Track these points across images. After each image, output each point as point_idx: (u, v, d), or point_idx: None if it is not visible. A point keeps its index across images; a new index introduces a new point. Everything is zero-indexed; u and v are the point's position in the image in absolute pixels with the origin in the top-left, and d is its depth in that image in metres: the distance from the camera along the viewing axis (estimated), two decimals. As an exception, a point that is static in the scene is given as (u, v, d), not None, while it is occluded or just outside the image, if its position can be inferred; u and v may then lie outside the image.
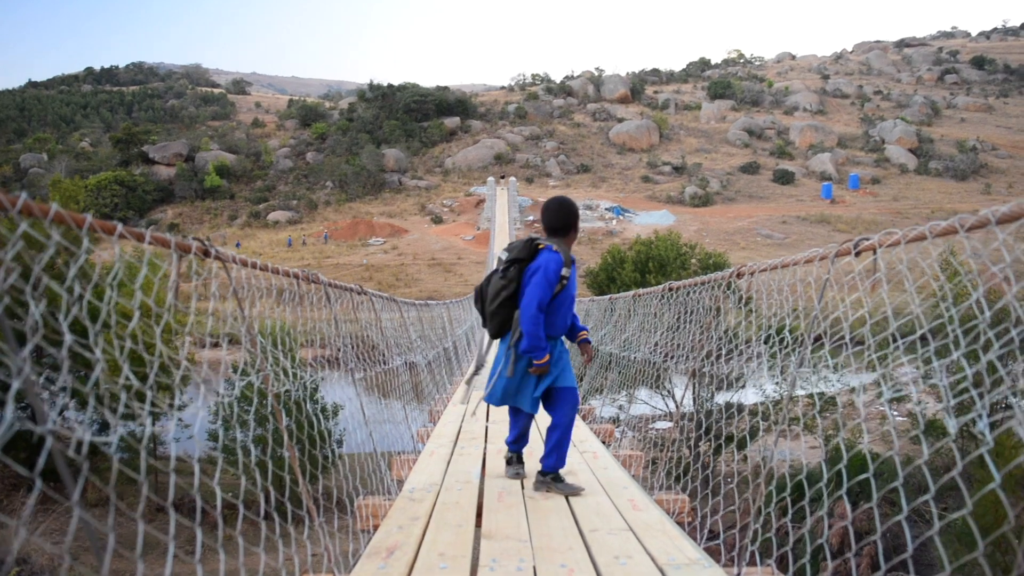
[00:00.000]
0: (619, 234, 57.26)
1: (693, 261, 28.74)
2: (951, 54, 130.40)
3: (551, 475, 3.83)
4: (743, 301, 4.36)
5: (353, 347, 4.68)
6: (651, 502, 3.64)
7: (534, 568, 2.66)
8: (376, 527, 3.26)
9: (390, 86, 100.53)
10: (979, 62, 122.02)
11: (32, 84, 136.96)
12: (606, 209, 66.67)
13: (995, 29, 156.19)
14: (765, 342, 3.65)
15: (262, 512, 2.48)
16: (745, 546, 2.77)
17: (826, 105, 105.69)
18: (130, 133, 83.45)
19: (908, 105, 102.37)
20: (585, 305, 11.63)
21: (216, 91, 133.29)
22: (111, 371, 1.64)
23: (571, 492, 3.75)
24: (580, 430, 5.92)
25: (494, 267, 4.07)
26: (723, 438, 15.41)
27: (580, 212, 3.96)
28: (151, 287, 1.94)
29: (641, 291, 7.15)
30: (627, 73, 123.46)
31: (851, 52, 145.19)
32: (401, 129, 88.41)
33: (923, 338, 2.05)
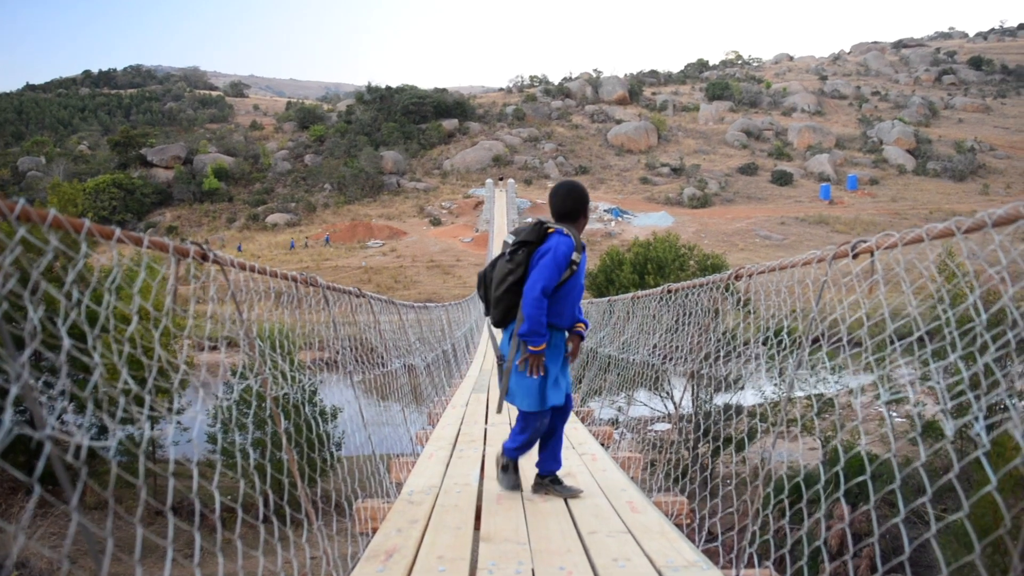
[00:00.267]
0: (618, 236, 57.31)
1: (691, 263, 28.75)
2: (949, 55, 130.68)
3: (549, 477, 3.82)
4: (741, 303, 4.36)
5: (352, 350, 4.68)
6: (650, 504, 3.64)
7: (532, 571, 2.66)
8: (375, 530, 3.26)
9: (388, 88, 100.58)
10: (977, 63, 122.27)
11: (30, 87, 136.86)
12: (604, 211, 66.70)
13: (992, 30, 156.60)
14: (763, 343, 3.66)
15: (261, 515, 2.48)
16: (743, 548, 2.77)
17: (824, 106, 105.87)
18: (128, 136, 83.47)
19: (906, 106, 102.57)
20: (584, 307, 11.61)
21: (214, 94, 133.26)
22: (110, 375, 1.64)
23: (570, 494, 3.74)
24: (579, 432, 5.92)
25: (498, 253, 3.84)
26: (721, 440, 15.41)
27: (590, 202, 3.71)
28: (149, 291, 1.94)
29: (640, 293, 7.15)
30: (625, 75, 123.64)
31: (849, 53, 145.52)
32: (399, 131, 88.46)
33: (920, 340, 2.05)
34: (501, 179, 73.11)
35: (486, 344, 11.27)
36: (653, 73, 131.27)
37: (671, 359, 5.49)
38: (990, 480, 1.55)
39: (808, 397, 18.10)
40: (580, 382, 9.19)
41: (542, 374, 3.61)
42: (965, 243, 1.76)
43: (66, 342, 1.38)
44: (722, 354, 4.43)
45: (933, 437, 17.65)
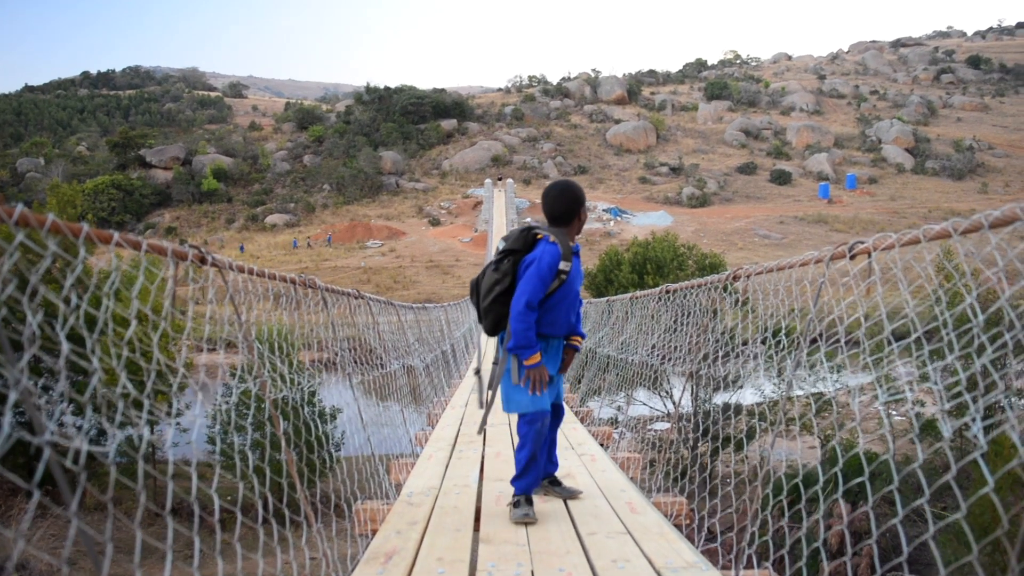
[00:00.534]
0: (617, 235, 57.31)
1: (690, 262, 28.76)
2: (947, 54, 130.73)
3: (547, 479, 3.81)
4: (740, 303, 4.37)
5: (351, 351, 4.68)
6: (649, 505, 3.64)
7: (532, 572, 2.66)
8: (374, 532, 3.27)
9: (387, 88, 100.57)
10: (975, 61, 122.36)
11: (29, 88, 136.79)
12: (604, 210, 66.73)
13: (991, 28, 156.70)
14: (762, 343, 3.66)
15: (260, 517, 2.49)
16: (742, 549, 2.78)
17: (823, 105, 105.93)
18: (127, 137, 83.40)
19: (904, 105, 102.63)
20: (583, 307, 11.60)
21: (213, 94, 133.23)
22: (108, 379, 1.64)
23: (569, 495, 3.74)
24: (578, 432, 5.92)
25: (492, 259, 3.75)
26: (720, 440, 15.43)
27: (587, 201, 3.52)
28: (148, 295, 1.94)
29: (639, 293, 7.16)
30: (624, 74, 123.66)
31: (847, 52, 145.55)
32: (398, 131, 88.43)
33: (918, 340, 2.06)
34: (500, 179, 73.09)
35: (485, 344, 11.26)
36: (651, 73, 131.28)
37: (670, 359, 5.50)
38: (988, 479, 1.55)
39: (807, 396, 18.10)
40: (580, 382, 9.19)
41: (545, 390, 3.45)
42: (961, 246, 1.76)
43: (65, 346, 1.39)
44: (721, 354, 4.44)
45: (932, 436, 17.66)
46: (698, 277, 5.06)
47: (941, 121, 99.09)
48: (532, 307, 3.36)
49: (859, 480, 2.23)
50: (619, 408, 10.57)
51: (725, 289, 4.13)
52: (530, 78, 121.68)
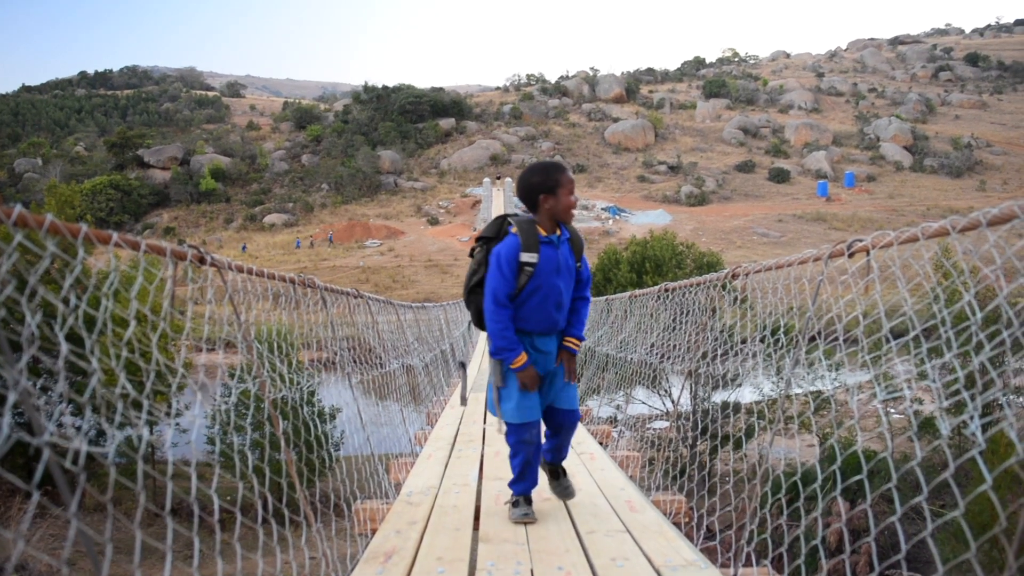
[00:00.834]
0: (615, 234, 57.32)
1: (689, 261, 28.74)
2: (945, 51, 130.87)
3: (550, 466, 3.80)
4: (739, 301, 4.37)
5: (350, 351, 4.68)
6: (648, 503, 3.64)
7: (531, 571, 2.67)
8: (374, 531, 3.27)
9: (385, 88, 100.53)
10: (973, 59, 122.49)
11: (26, 88, 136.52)
12: (602, 209, 66.76)
13: (989, 26, 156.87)
14: (761, 341, 3.66)
15: (259, 517, 2.49)
16: (741, 547, 2.78)
17: (821, 103, 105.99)
18: (125, 137, 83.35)
19: (903, 102, 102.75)
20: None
21: (211, 94, 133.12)
22: (107, 379, 1.64)
23: (566, 495, 3.74)
24: (578, 431, 5.91)
25: None
26: (719, 438, 15.43)
27: (561, 180, 3.18)
28: (147, 295, 1.94)
29: (637, 292, 7.16)
30: (622, 73, 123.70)
31: (845, 50, 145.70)
32: (396, 131, 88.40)
33: (916, 338, 2.06)
34: (498, 178, 73.10)
35: (485, 344, 11.29)
36: (650, 71, 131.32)
37: (669, 357, 5.50)
38: (987, 476, 1.56)
39: (806, 394, 18.12)
40: (579, 380, 9.18)
41: (537, 389, 3.28)
42: (960, 243, 1.77)
43: (64, 347, 1.39)
44: (719, 352, 4.44)
45: (931, 434, 17.68)
46: (697, 275, 5.06)
47: (939, 119, 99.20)
48: (501, 303, 3.13)
49: (858, 478, 2.23)
50: (618, 407, 10.57)
51: (724, 287, 4.13)
52: (528, 77, 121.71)
